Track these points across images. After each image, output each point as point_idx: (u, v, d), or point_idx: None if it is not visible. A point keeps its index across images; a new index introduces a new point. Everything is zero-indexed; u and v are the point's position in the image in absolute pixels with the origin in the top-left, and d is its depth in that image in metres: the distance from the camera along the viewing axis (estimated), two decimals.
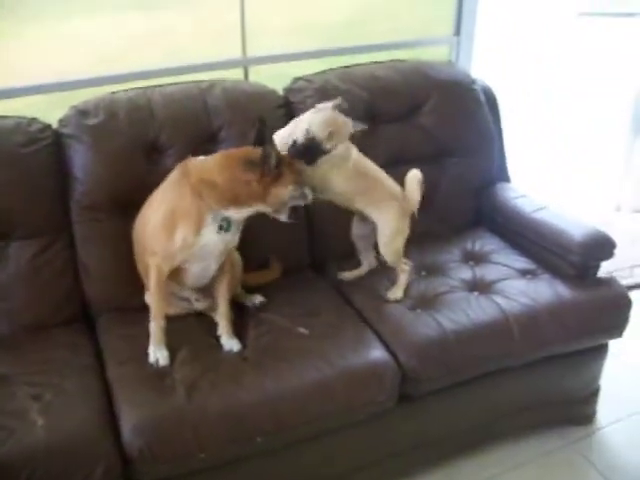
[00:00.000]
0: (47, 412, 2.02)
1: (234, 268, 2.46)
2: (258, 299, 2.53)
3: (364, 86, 2.85)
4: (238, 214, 2.23)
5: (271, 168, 2.14)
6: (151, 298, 2.32)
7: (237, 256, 2.49)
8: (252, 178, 2.15)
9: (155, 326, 2.27)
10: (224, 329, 2.35)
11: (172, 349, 2.26)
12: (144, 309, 2.44)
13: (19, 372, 2.19)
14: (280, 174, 2.17)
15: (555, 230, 2.67)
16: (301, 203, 2.27)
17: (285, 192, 2.19)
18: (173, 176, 2.28)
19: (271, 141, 2.24)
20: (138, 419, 2.01)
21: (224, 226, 2.23)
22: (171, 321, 2.33)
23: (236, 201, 2.18)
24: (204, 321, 2.43)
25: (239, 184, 2.17)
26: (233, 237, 2.30)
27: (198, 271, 2.33)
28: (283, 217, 2.25)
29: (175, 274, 2.31)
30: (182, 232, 2.19)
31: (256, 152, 2.16)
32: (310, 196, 2.26)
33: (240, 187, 2.17)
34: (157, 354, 2.23)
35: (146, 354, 2.23)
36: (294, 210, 2.26)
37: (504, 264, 2.68)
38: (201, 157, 2.27)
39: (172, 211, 2.22)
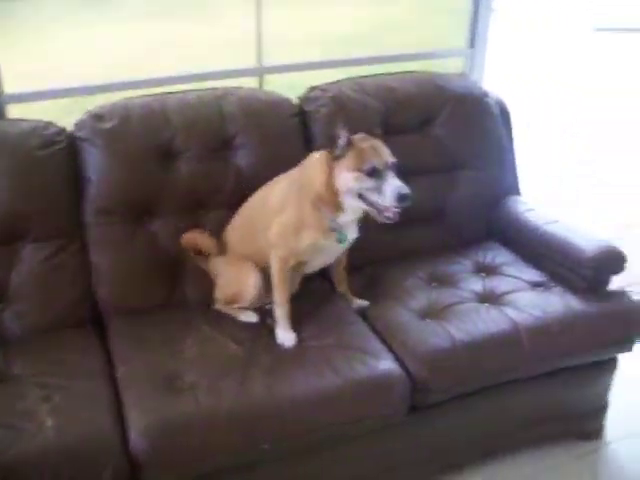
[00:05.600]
0: (56, 413, 2.02)
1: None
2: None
3: (378, 96, 2.86)
4: (346, 217, 2.30)
5: (338, 147, 2.20)
6: (276, 287, 2.40)
7: None
8: (330, 165, 2.24)
9: (281, 312, 2.38)
10: (351, 299, 2.57)
11: (182, 350, 2.28)
12: (154, 312, 2.51)
13: (30, 373, 2.20)
14: (347, 157, 2.20)
15: (566, 243, 2.67)
16: (382, 198, 2.18)
17: (347, 176, 2.21)
18: (297, 180, 2.38)
19: (340, 124, 2.24)
20: (146, 423, 2.01)
21: (342, 239, 2.35)
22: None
23: (334, 202, 2.26)
24: (220, 324, 2.44)
25: (328, 182, 2.25)
26: (354, 236, 2.42)
27: (317, 263, 2.49)
28: (380, 217, 2.23)
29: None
30: (310, 237, 2.33)
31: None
32: (403, 191, 2.14)
33: (328, 184, 2.25)
34: (286, 337, 2.35)
35: (156, 357, 2.25)
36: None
37: (515, 276, 2.68)
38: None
39: (299, 219, 2.33)
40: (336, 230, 2.33)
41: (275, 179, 2.50)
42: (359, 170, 2.18)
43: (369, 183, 2.18)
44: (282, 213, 2.37)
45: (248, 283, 2.45)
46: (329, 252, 2.45)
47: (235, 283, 2.49)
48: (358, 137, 2.25)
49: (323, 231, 2.33)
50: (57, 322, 2.45)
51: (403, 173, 2.80)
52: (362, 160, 2.18)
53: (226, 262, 2.54)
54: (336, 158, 2.22)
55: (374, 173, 2.17)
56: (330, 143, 2.23)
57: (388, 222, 2.22)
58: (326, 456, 2.30)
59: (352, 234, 2.43)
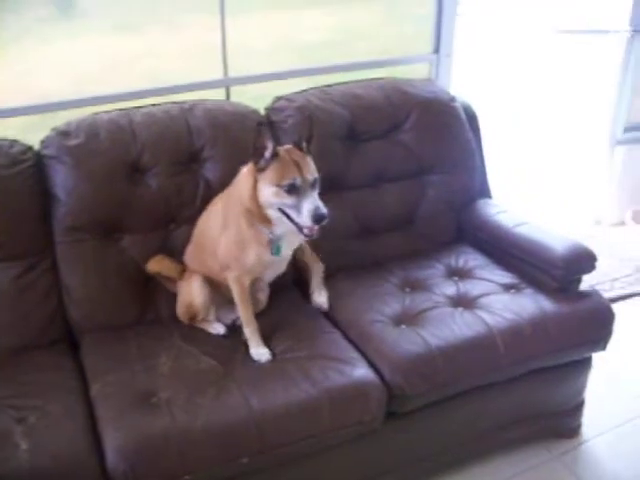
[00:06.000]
0: (31, 435, 1.99)
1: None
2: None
3: (345, 104, 2.87)
4: (279, 229, 2.28)
5: (263, 159, 2.18)
6: (240, 308, 2.40)
7: None
8: (255, 177, 2.22)
9: (249, 331, 2.38)
10: (316, 287, 2.57)
11: (156, 366, 2.27)
12: (128, 329, 2.49)
13: (2, 395, 2.16)
14: (269, 170, 2.18)
15: (537, 244, 2.69)
16: (299, 217, 2.17)
17: (267, 191, 2.19)
18: (229, 196, 2.39)
19: (269, 134, 2.22)
20: (122, 441, 1.99)
21: (274, 251, 2.33)
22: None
23: (262, 215, 2.25)
24: (195, 339, 2.44)
25: (254, 195, 2.23)
26: (298, 243, 2.43)
27: (272, 273, 2.50)
28: (301, 233, 2.23)
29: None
30: (254, 252, 2.33)
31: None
32: (319, 212, 2.13)
33: (254, 197, 2.23)
34: (260, 353, 2.34)
35: (130, 374, 2.23)
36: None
37: (488, 279, 2.69)
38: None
39: (239, 235, 2.32)
40: (275, 242, 2.32)
41: (216, 198, 2.51)
42: (278, 185, 2.17)
43: (288, 200, 2.17)
44: (225, 231, 2.37)
45: (193, 293, 2.45)
46: (278, 263, 2.44)
47: (185, 295, 2.49)
48: (284, 149, 2.23)
49: (264, 244, 2.32)
50: (28, 342, 2.42)
51: (373, 180, 2.85)
52: (283, 175, 2.16)
53: (183, 280, 2.54)
54: (260, 170, 2.20)
55: (293, 190, 2.16)
56: (256, 154, 2.20)
57: (307, 238, 2.26)
58: (306, 466, 2.29)
59: (295, 242, 2.41)
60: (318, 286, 2.58)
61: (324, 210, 2.15)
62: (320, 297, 2.56)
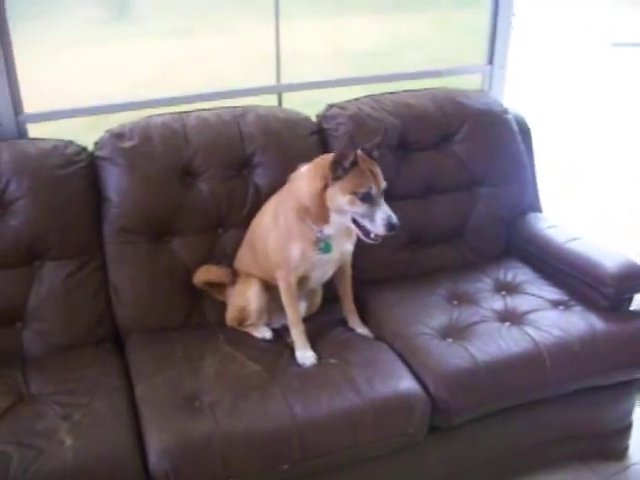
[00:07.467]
0: (76, 432, 2.02)
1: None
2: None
3: (397, 114, 2.86)
4: (330, 230, 2.30)
5: (342, 168, 2.17)
6: (286, 308, 2.42)
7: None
8: (325, 180, 2.23)
9: (296, 333, 2.40)
10: (355, 322, 2.54)
11: (201, 369, 2.28)
12: (174, 330, 2.51)
13: (49, 392, 2.20)
14: (345, 179, 2.19)
15: (588, 261, 2.64)
16: (373, 225, 2.19)
17: (341, 199, 2.20)
18: (284, 193, 2.41)
19: (352, 144, 2.23)
20: (165, 443, 2.00)
21: (322, 248, 2.33)
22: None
23: (320, 215, 2.27)
24: (240, 343, 2.45)
25: (317, 196, 2.24)
26: (347, 247, 2.43)
27: (317, 277, 2.47)
28: (366, 238, 2.25)
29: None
30: (298, 248, 2.33)
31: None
32: (393, 221, 2.17)
33: (316, 198, 2.25)
34: (305, 356, 2.35)
35: (176, 376, 2.25)
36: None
37: (536, 295, 2.65)
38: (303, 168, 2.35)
39: (287, 230, 2.34)
40: (322, 241, 2.33)
41: (270, 198, 2.52)
42: (354, 193, 2.18)
43: (361, 208, 2.20)
44: (275, 227, 2.39)
45: (249, 297, 2.47)
46: (324, 264, 2.43)
47: (239, 298, 2.51)
48: (359, 157, 2.23)
49: (309, 242, 2.33)
50: (77, 340, 2.46)
51: (424, 190, 2.83)
52: (359, 184, 2.18)
53: (236, 284, 2.55)
54: (336, 178, 2.20)
55: (367, 198, 2.18)
56: (337, 162, 2.19)
57: (371, 243, 2.25)
58: (346, 476, 2.28)
59: (347, 246, 2.42)
60: (353, 320, 2.56)
61: (396, 219, 2.18)
62: (361, 329, 2.55)
